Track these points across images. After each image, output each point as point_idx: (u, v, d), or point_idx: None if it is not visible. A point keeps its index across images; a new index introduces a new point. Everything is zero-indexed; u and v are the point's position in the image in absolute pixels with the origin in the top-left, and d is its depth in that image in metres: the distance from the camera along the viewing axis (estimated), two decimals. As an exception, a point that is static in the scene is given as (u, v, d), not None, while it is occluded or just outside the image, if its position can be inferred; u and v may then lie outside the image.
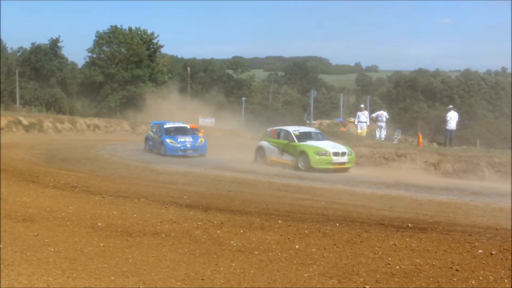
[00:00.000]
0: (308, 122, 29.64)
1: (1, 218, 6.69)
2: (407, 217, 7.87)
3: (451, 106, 24.15)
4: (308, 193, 10.89)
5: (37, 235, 5.93)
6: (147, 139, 22.42)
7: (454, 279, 4.62)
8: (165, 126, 21.31)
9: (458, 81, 77.44)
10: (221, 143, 30.11)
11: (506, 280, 4.62)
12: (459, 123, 22.20)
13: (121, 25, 55.39)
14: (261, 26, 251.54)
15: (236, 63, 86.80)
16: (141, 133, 41.63)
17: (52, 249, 5.36)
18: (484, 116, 66.51)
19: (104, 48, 54.35)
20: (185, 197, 8.96)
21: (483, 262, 5.14)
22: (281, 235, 6.17)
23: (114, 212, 7.30)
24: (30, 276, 4.52)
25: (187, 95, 55.47)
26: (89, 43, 56.75)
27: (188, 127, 22.28)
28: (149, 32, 57.02)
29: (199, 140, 20.97)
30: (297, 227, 6.64)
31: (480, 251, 5.53)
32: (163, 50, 59.75)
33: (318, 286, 4.44)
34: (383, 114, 24.16)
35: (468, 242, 5.95)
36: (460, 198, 11.25)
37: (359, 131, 24.43)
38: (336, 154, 16.18)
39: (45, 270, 4.70)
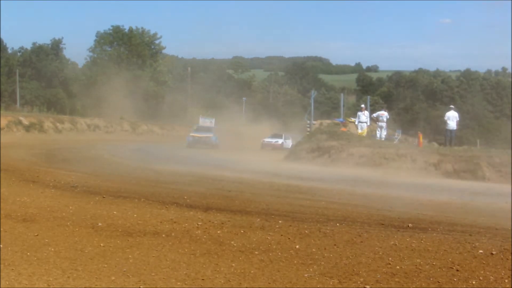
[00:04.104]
0: (308, 122, 29.62)
1: (1, 218, 6.68)
2: (407, 217, 7.87)
3: (451, 106, 24.15)
4: (308, 193, 10.89)
5: (37, 235, 5.93)
6: None
7: (455, 279, 4.62)
8: None
9: (458, 81, 77.43)
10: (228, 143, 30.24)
11: (506, 280, 4.61)
12: (459, 123, 22.19)
13: (122, 25, 55.47)
14: (261, 26, 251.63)
15: (236, 63, 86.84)
16: (141, 133, 41.71)
17: (52, 249, 5.36)
18: (484, 116, 66.48)
19: (107, 48, 54.40)
20: (185, 197, 8.95)
21: (484, 262, 5.14)
22: (282, 235, 6.17)
23: (115, 212, 7.30)
24: (31, 276, 4.52)
25: (187, 95, 55.45)
26: (89, 43, 56.87)
27: None
28: (151, 32, 57.09)
29: None
30: (298, 227, 6.63)
31: (481, 251, 5.53)
32: (163, 50, 59.87)
33: (318, 286, 4.44)
34: (384, 114, 24.17)
35: (469, 242, 5.95)
36: (460, 198, 11.25)
37: (360, 131, 24.44)
38: None
39: (46, 270, 4.70)
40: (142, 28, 56.54)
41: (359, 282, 4.53)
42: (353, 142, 19.73)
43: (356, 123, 25.45)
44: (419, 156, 17.04)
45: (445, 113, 22.26)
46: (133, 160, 18.49)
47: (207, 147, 29.62)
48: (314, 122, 30.92)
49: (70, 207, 7.59)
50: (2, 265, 4.75)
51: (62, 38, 57.99)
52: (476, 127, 61.80)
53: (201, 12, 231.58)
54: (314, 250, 5.53)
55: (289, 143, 36.56)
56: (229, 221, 6.96)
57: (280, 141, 36.56)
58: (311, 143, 20.99)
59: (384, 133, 24.01)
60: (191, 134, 31.42)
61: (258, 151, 29.59)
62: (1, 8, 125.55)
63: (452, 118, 21.47)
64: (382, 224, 7.10)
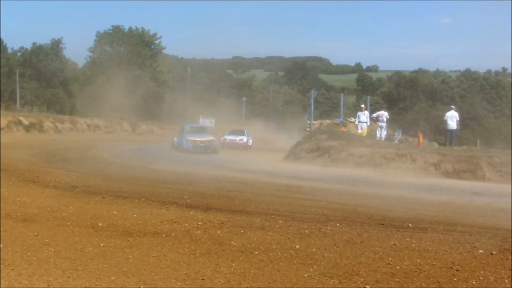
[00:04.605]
0: (308, 122, 29.61)
1: (1, 218, 6.69)
2: (407, 217, 7.87)
3: (452, 106, 24.13)
4: (308, 193, 10.89)
5: (37, 235, 5.94)
6: None
7: (455, 279, 4.62)
8: None
9: (458, 81, 77.42)
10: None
11: (506, 280, 4.62)
12: (459, 123, 22.17)
13: (122, 25, 55.48)
14: (261, 26, 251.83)
15: (236, 63, 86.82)
16: (141, 133, 41.68)
17: (52, 249, 5.36)
18: (484, 116, 66.45)
19: (107, 48, 54.40)
20: (185, 197, 8.96)
21: (484, 262, 5.14)
22: (282, 235, 6.17)
23: (115, 212, 7.30)
24: (31, 276, 4.52)
25: (187, 95, 55.44)
26: (89, 43, 56.80)
27: None
28: (151, 32, 57.09)
29: None
30: (298, 227, 6.64)
31: (481, 251, 5.53)
32: (163, 51, 59.91)
33: (318, 286, 4.44)
34: (384, 114, 24.18)
35: (469, 242, 5.95)
36: (460, 198, 11.25)
37: (360, 131, 24.44)
38: None
39: (46, 270, 4.70)
40: (142, 28, 56.59)
41: (359, 282, 4.53)
42: (353, 142, 19.72)
43: (356, 123, 25.45)
44: (419, 156, 17.02)
45: (445, 113, 22.27)
46: (133, 160, 18.49)
47: (209, 153, 24.62)
48: (314, 122, 30.87)
49: (70, 207, 7.60)
50: (2, 265, 4.75)
51: (62, 38, 57.88)
52: (476, 127, 61.75)
53: (201, 12, 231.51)
54: (314, 250, 5.53)
55: (250, 140, 32.05)
56: (229, 221, 6.96)
57: (244, 138, 31.40)
58: (311, 143, 20.99)
59: (384, 133, 24.01)
60: (189, 138, 25.24)
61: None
62: (1, 8, 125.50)
63: (452, 118, 21.45)
64: (382, 224, 7.10)
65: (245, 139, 31.54)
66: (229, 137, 31.26)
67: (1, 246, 5.39)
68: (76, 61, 62.29)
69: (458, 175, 15.66)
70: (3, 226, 6.22)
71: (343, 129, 25.35)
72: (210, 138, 25.95)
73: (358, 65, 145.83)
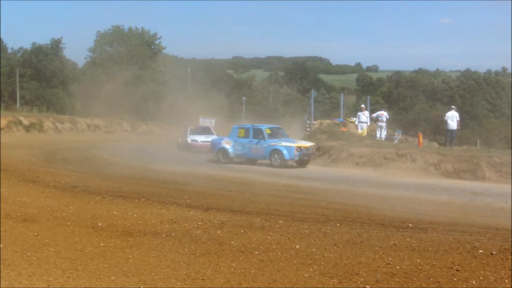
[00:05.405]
0: (308, 122, 29.59)
1: (1, 218, 6.69)
2: (407, 217, 7.87)
3: (452, 106, 24.12)
4: (308, 193, 10.90)
5: (37, 235, 5.94)
6: None
7: (455, 279, 4.62)
8: None
9: (458, 81, 77.40)
10: None
11: (506, 280, 4.61)
12: (459, 123, 22.15)
13: (122, 25, 55.49)
14: (261, 26, 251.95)
15: (236, 63, 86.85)
16: (141, 133, 41.70)
17: (52, 249, 5.36)
18: (484, 116, 66.42)
19: (107, 48, 54.42)
20: (185, 197, 8.96)
21: (484, 262, 5.14)
22: (282, 235, 6.17)
23: (115, 212, 7.30)
24: (31, 276, 4.52)
25: (187, 95, 55.44)
26: (89, 43, 56.78)
27: None
28: (151, 32, 57.09)
29: None
30: (298, 227, 6.64)
31: (481, 251, 5.52)
32: (163, 51, 59.93)
33: (318, 286, 4.44)
34: (384, 114, 24.19)
35: (469, 242, 5.95)
36: (460, 198, 11.25)
37: (360, 131, 24.43)
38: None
39: (46, 270, 4.70)
40: (142, 28, 56.63)
41: (359, 282, 4.53)
42: (353, 142, 19.71)
43: (356, 123, 25.44)
44: (419, 156, 17.01)
45: (445, 113, 22.27)
46: (133, 160, 18.49)
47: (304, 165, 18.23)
48: (314, 122, 30.82)
49: (70, 207, 7.60)
50: (2, 265, 4.75)
51: (61, 37, 57.79)
52: (476, 127, 61.70)
53: (201, 12, 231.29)
54: (314, 250, 5.53)
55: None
56: (229, 221, 6.96)
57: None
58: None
59: (384, 133, 24.00)
60: (290, 142, 18.22)
61: None
62: (1, 8, 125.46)
63: (452, 118, 21.45)
64: (382, 224, 7.11)
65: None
66: (201, 139, 23.42)
67: (1, 246, 5.39)
68: (76, 61, 62.13)
69: (458, 175, 15.65)
70: (3, 226, 6.22)
71: (343, 129, 25.31)
72: (311, 143, 19.24)
73: (358, 65, 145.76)
